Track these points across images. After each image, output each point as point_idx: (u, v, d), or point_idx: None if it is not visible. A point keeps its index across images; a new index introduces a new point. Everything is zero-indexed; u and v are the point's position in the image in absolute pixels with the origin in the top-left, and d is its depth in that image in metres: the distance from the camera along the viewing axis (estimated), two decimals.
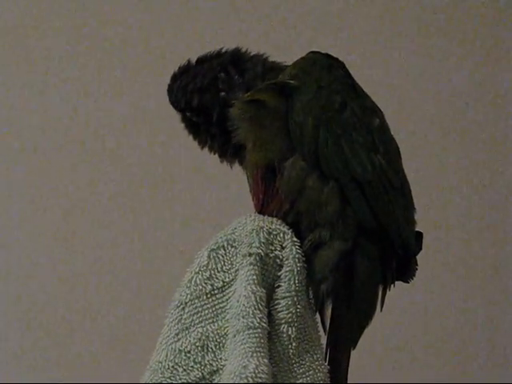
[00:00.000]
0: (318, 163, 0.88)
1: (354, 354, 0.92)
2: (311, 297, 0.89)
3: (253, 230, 0.87)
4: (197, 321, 0.87)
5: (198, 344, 0.86)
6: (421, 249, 0.92)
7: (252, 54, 0.97)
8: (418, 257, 0.93)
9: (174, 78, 0.98)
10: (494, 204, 1.81)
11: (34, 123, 1.76)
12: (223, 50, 0.98)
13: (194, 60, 0.98)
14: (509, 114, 1.82)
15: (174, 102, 0.98)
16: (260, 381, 0.81)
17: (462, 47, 1.81)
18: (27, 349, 1.73)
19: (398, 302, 1.64)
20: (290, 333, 0.85)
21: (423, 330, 1.77)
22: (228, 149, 0.96)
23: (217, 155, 0.98)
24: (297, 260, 0.87)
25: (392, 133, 0.94)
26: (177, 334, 0.87)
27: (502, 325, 1.80)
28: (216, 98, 0.95)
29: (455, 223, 1.79)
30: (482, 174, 1.81)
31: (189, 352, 0.86)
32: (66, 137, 1.77)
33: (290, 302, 0.86)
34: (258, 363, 0.82)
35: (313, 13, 1.80)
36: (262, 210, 0.91)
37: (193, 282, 0.88)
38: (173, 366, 0.86)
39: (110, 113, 1.77)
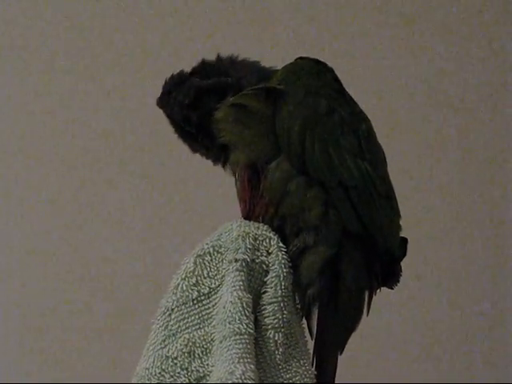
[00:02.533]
0: (305, 167, 0.88)
1: (340, 359, 0.92)
2: (298, 302, 0.89)
3: (239, 235, 0.88)
4: (183, 327, 0.87)
5: (184, 350, 0.86)
6: (405, 254, 0.93)
7: (246, 62, 0.97)
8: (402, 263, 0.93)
9: (168, 89, 0.96)
10: (479, 209, 1.81)
11: (32, 124, 1.77)
12: (216, 58, 0.96)
13: (186, 70, 0.97)
14: (505, 115, 1.82)
15: (170, 115, 0.97)
16: None
17: (458, 47, 1.82)
18: (27, 349, 1.73)
19: (384, 307, 1.64)
20: (276, 338, 0.85)
21: (408, 334, 1.77)
22: (221, 157, 0.96)
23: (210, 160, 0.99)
24: (283, 265, 0.87)
25: (379, 140, 0.94)
26: (163, 341, 0.87)
27: (491, 328, 1.80)
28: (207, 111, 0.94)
29: (439, 229, 1.80)
30: (469, 178, 1.81)
31: (175, 358, 0.86)
32: (64, 135, 1.77)
33: (276, 308, 0.86)
34: (244, 369, 0.82)
35: (305, 14, 1.81)
36: (248, 214, 0.91)
37: (179, 289, 0.88)
38: (160, 373, 0.86)
39: (106, 112, 1.78)
